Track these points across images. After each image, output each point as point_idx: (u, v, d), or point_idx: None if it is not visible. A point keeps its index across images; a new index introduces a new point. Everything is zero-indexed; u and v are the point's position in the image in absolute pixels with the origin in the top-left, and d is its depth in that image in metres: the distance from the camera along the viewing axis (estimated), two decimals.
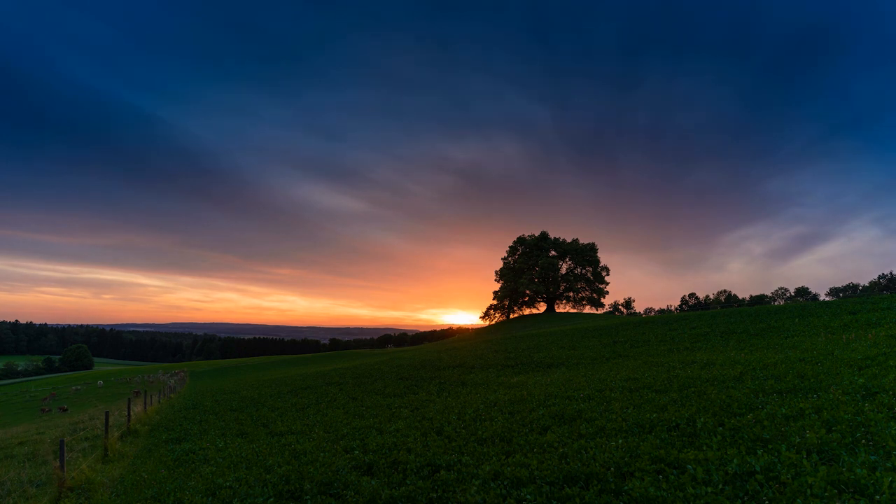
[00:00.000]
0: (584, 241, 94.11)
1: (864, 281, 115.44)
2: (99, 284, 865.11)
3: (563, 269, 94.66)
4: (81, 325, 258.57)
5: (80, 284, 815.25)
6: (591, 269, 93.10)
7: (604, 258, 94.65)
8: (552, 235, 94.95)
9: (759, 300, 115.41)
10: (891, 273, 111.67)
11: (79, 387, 55.44)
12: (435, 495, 6.32)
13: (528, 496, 5.79)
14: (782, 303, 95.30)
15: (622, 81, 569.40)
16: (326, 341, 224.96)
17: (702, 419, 7.83)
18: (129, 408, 16.80)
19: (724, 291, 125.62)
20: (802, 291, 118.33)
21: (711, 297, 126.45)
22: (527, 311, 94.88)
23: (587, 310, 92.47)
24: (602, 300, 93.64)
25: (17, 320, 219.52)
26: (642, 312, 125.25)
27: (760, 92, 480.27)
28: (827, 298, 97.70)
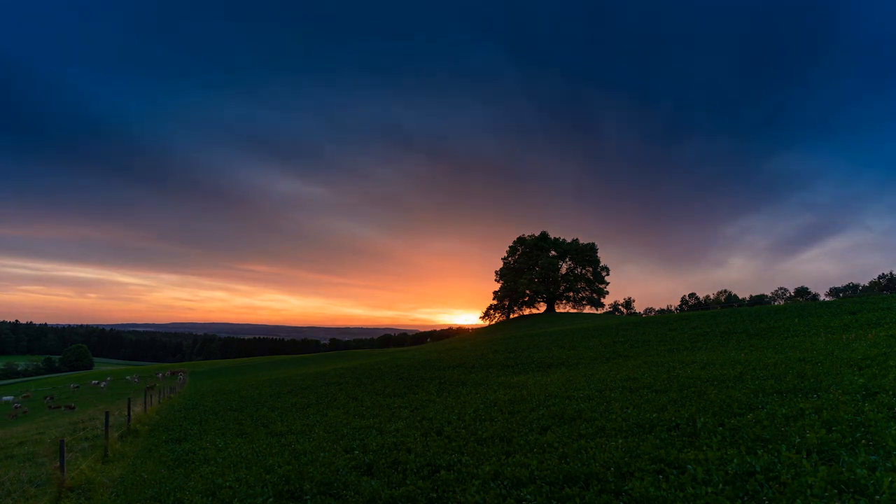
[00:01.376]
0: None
1: (870, 279, 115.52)
2: (80, 283, 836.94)
3: (563, 269, 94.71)
4: (81, 325, 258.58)
5: (59, 283, 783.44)
6: (591, 269, 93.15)
7: (598, 252, 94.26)
8: (547, 233, 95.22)
9: (759, 300, 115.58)
10: (891, 273, 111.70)
11: (99, 381, 55.44)
12: (435, 495, 6.32)
13: (528, 496, 5.79)
14: (782, 303, 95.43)
15: (596, 17, 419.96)
16: (326, 341, 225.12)
17: (702, 419, 7.83)
18: (129, 408, 16.80)
19: (725, 291, 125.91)
20: (802, 291, 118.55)
21: (711, 296, 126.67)
22: (527, 311, 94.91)
23: (587, 310, 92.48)
24: (602, 300, 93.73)
25: (17, 320, 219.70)
26: (642, 312, 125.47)
27: (767, 36, 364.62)
28: (827, 298, 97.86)
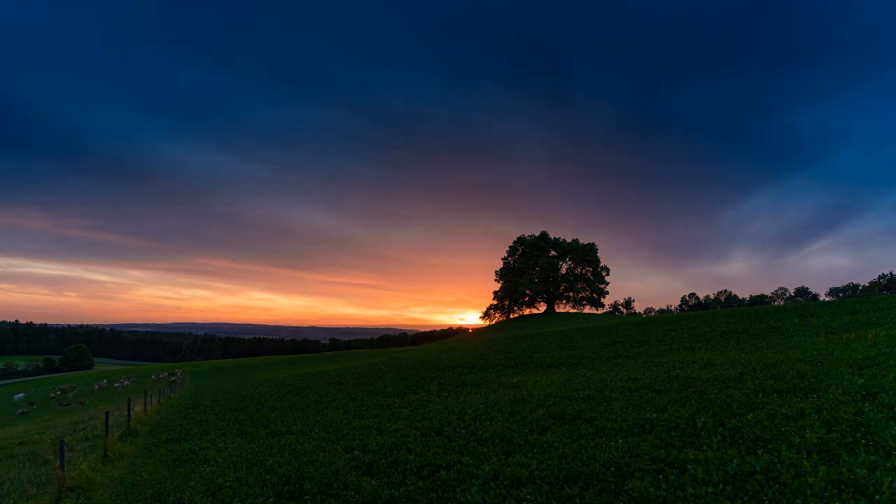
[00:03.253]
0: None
1: (872, 278, 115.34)
2: (53, 281, 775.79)
3: (563, 269, 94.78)
4: (81, 325, 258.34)
5: (30, 281, 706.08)
6: (591, 269, 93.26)
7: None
8: (546, 233, 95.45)
9: (758, 300, 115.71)
10: (891, 273, 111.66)
11: (102, 383, 55.75)
12: (435, 495, 6.33)
13: (528, 496, 5.79)
14: (782, 303, 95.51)
15: None
16: (326, 341, 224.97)
17: (702, 419, 7.83)
18: (129, 408, 16.80)
19: (725, 291, 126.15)
20: (802, 291, 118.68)
21: (711, 296, 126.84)
22: (527, 311, 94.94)
23: (587, 310, 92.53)
24: (602, 300, 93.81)
25: (17, 320, 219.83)
26: (642, 312, 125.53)
27: None
28: (827, 298, 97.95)
